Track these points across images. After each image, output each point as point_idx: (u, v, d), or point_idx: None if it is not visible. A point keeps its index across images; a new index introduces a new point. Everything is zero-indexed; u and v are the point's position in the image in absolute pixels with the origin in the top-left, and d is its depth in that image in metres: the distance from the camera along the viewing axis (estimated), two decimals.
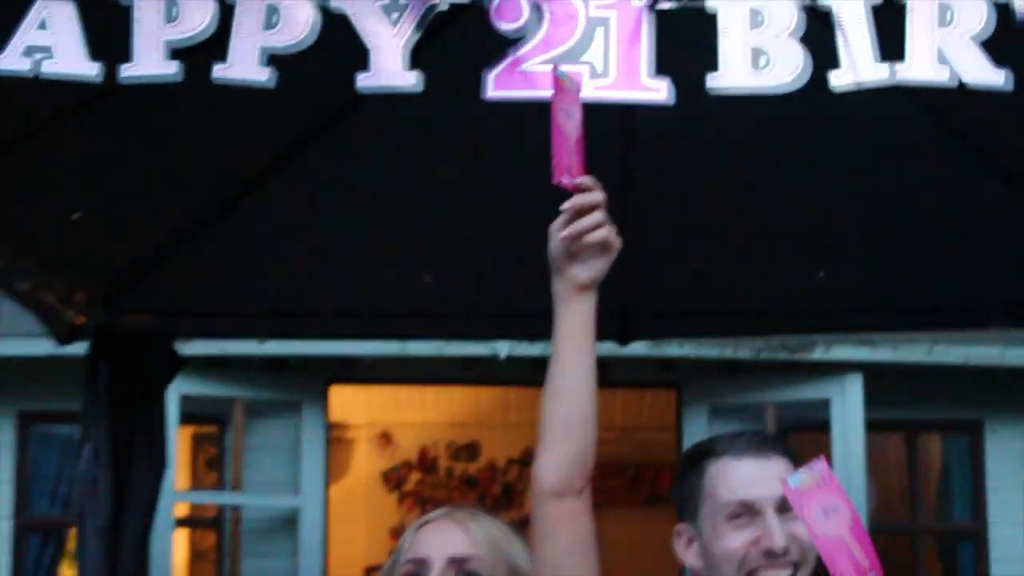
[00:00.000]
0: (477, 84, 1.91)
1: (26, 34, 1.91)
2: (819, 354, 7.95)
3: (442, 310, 4.37)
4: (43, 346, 5.71)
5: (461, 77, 1.95)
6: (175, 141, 3.26)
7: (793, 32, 1.87)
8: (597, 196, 2.00)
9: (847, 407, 7.44)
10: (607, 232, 2.00)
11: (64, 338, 3.98)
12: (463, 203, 3.73)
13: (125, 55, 1.90)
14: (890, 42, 1.89)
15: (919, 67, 1.87)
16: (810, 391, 7.63)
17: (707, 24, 1.88)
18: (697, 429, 7.79)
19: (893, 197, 3.65)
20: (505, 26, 1.92)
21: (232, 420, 8.23)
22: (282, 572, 7.98)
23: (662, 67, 1.92)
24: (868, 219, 3.78)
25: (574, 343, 2.03)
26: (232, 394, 8.00)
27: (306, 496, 7.99)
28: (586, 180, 1.98)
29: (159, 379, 4.01)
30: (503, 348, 7.66)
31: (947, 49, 1.87)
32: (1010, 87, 1.85)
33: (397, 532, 9.63)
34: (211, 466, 9.12)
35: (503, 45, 1.92)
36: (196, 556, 9.59)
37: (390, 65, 1.90)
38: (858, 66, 1.88)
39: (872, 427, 7.55)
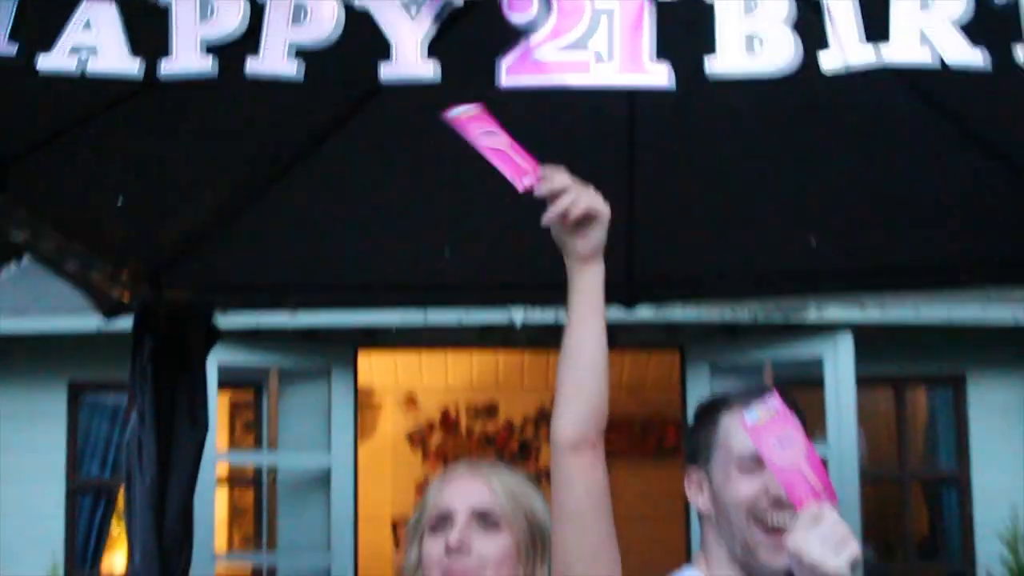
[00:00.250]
0: (491, 73, 1.91)
1: (72, 34, 1.91)
2: (812, 315, 7.96)
3: (461, 281, 4.39)
4: (91, 321, 5.77)
5: (475, 66, 1.95)
6: (211, 132, 3.26)
7: (785, 19, 1.88)
8: (561, 178, 2.03)
9: (839, 364, 7.44)
10: (586, 203, 2.02)
11: (110, 313, 3.99)
12: (478, 183, 3.72)
13: (164, 52, 1.90)
14: (875, 25, 1.89)
15: (903, 48, 1.87)
16: (804, 350, 7.63)
17: (704, 13, 1.89)
18: (700, 387, 7.82)
19: (879, 169, 3.66)
20: (516, 18, 1.93)
21: (267, 386, 8.26)
22: (315, 526, 8.03)
23: (662, 53, 1.92)
24: (856, 189, 3.78)
25: (585, 308, 2.05)
26: (267, 362, 8.03)
27: (337, 455, 8.03)
28: (543, 170, 2.03)
29: (200, 349, 4.02)
30: (518, 316, 7.68)
31: (929, 31, 1.87)
32: (989, 67, 1.85)
33: (422, 487, 9.67)
34: (248, 429, 9.18)
35: (514, 36, 1.92)
36: (235, 512, 9.67)
37: (410, 56, 1.90)
38: (846, 48, 1.88)
39: (862, 382, 7.56)
